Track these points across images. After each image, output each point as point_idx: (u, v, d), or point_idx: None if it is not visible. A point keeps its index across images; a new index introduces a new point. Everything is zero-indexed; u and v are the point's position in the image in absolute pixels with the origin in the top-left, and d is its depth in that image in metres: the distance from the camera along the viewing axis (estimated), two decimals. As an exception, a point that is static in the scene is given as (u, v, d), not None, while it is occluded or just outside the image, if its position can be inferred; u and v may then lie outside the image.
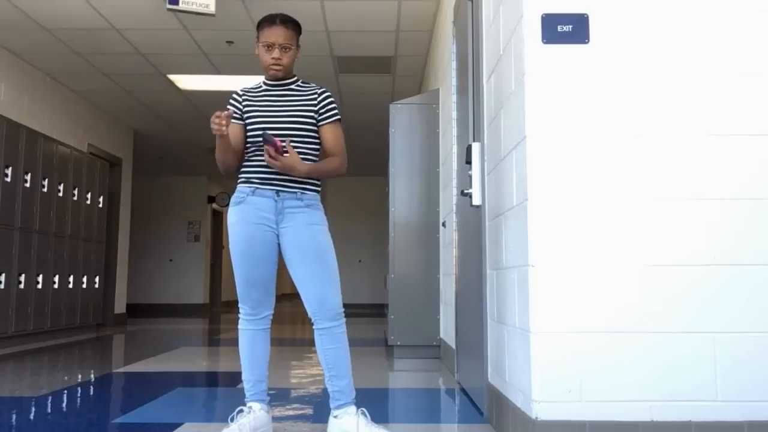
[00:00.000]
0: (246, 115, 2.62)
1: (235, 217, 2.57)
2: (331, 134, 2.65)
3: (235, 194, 2.60)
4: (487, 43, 3.02)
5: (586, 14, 2.29)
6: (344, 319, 2.58)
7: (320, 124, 2.65)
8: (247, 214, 2.55)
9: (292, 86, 2.67)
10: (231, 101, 2.68)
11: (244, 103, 2.64)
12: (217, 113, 2.38)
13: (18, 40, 6.36)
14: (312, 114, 2.62)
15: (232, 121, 2.63)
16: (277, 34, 2.56)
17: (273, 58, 2.58)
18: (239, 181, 2.62)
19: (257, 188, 2.56)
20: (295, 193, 2.57)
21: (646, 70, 2.28)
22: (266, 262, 2.57)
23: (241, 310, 2.63)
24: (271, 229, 2.56)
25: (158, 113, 9.06)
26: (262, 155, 2.57)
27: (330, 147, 2.65)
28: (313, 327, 2.59)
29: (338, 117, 2.67)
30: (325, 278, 2.54)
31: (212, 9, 5.01)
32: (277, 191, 2.56)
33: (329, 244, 2.58)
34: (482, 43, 3.10)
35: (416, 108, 5.38)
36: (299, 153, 2.58)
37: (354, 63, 6.95)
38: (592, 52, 2.28)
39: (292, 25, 2.60)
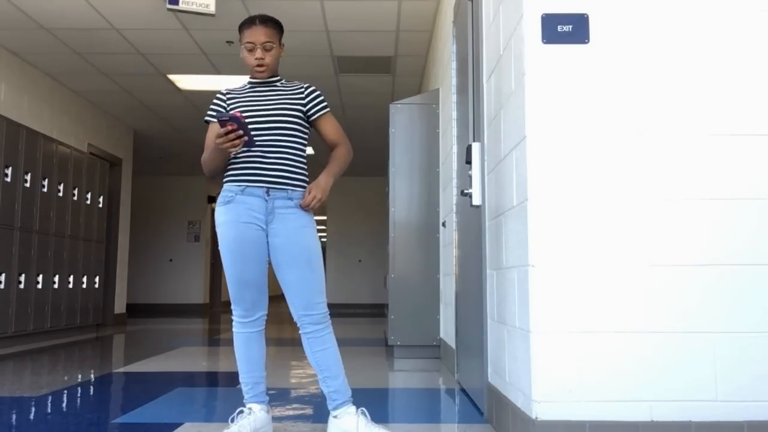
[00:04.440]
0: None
1: (223, 216, 2.53)
2: (328, 125, 2.67)
3: (222, 194, 2.56)
4: (487, 43, 3.02)
5: (586, 14, 2.29)
6: (330, 320, 2.58)
7: (313, 118, 2.65)
8: (236, 213, 2.51)
9: (277, 84, 2.66)
10: (215, 101, 2.65)
11: (228, 102, 2.62)
12: (220, 134, 2.36)
13: (18, 40, 6.36)
14: (299, 108, 2.61)
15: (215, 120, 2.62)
16: (257, 34, 2.55)
17: (256, 59, 2.57)
18: (226, 180, 2.58)
19: (247, 186, 2.53)
20: (286, 191, 2.54)
21: (646, 70, 2.28)
22: (258, 261, 2.53)
23: (234, 313, 2.60)
24: (262, 229, 2.53)
25: (158, 113, 9.06)
26: (249, 153, 2.53)
27: (331, 137, 2.67)
28: (300, 331, 2.58)
29: (328, 108, 2.68)
30: (312, 283, 2.53)
31: (212, 9, 5.01)
32: (267, 189, 2.53)
33: (317, 246, 2.58)
34: (482, 43, 3.10)
35: (416, 108, 5.39)
36: (284, 148, 2.56)
37: (354, 63, 6.95)
38: (592, 52, 2.28)
39: (272, 24, 2.59)
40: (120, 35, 6.19)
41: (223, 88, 2.70)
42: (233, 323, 2.61)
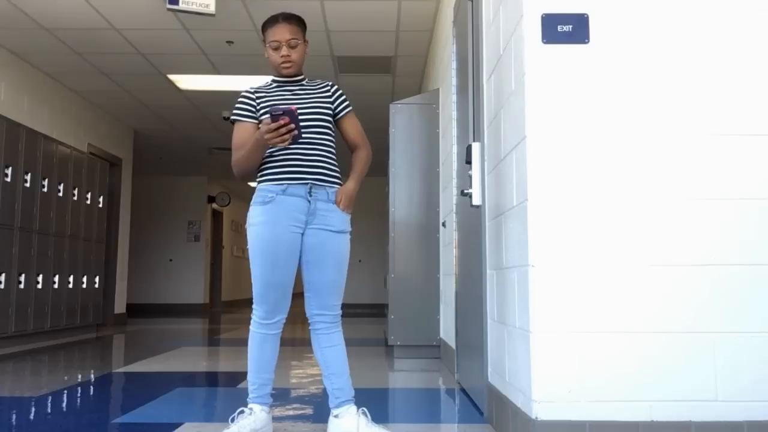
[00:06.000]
0: (261, 113, 2.58)
1: (262, 217, 2.49)
2: (351, 126, 2.69)
3: (259, 193, 2.52)
4: (487, 43, 3.02)
5: (586, 14, 2.29)
6: (341, 321, 2.60)
7: (338, 117, 2.67)
8: (276, 214, 2.48)
9: (303, 82, 2.67)
10: (243, 99, 2.61)
11: (257, 101, 2.60)
12: (271, 128, 2.34)
13: (18, 40, 6.36)
14: (328, 106, 2.63)
15: (246, 120, 2.59)
16: (281, 31, 2.56)
17: (282, 56, 2.57)
18: (263, 178, 2.54)
19: (289, 185, 2.50)
20: (325, 188, 2.55)
21: (646, 70, 2.28)
22: (289, 265, 2.51)
23: (254, 313, 2.56)
24: (299, 230, 2.52)
25: (158, 113, 9.06)
26: (285, 150, 2.52)
27: (353, 138, 2.69)
28: (310, 327, 2.59)
29: (351, 107, 2.70)
30: (335, 287, 2.56)
31: (212, 9, 5.01)
32: (310, 187, 2.51)
33: (348, 251, 2.60)
34: (482, 43, 3.10)
35: (416, 108, 5.38)
36: (320, 145, 2.56)
37: (354, 63, 6.95)
38: (592, 52, 2.28)
39: (295, 20, 2.60)
40: (120, 35, 6.19)
41: (249, 87, 2.68)
42: (252, 322, 2.59)
